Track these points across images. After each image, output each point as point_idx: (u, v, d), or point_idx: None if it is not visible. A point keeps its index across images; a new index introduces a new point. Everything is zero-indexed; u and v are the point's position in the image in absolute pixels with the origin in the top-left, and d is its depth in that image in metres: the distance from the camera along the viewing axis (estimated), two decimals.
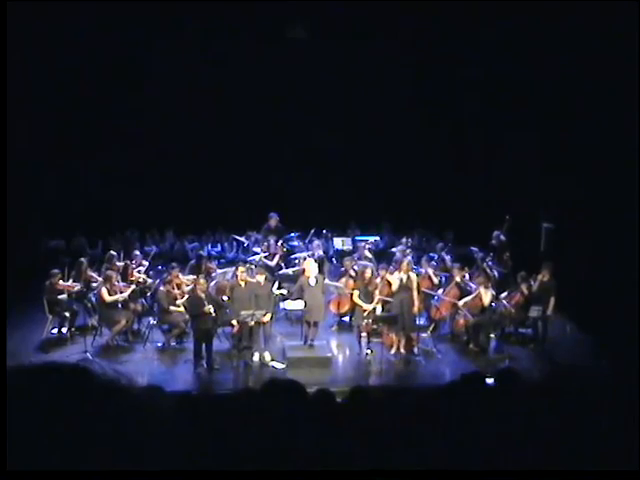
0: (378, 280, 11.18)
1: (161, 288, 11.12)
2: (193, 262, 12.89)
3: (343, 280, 11.97)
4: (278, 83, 16.02)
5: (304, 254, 13.09)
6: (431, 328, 11.65)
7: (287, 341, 11.09)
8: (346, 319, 12.03)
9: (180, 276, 11.45)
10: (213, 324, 10.35)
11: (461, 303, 11.24)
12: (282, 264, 13.25)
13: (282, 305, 11.94)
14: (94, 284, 11.56)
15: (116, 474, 1.40)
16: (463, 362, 10.60)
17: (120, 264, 12.03)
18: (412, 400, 2.55)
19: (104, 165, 15.46)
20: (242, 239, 14.78)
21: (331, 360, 10.60)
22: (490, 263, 12.76)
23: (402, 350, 10.88)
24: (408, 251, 13.07)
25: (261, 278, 10.66)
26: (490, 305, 11.08)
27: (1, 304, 10.56)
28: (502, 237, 13.58)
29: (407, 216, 15.27)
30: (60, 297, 11.14)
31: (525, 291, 11.34)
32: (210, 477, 1.92)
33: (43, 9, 12.60)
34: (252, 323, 10.30)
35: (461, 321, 11.32)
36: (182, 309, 10.87)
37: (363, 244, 13.98)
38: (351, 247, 14.86)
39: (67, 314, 11.26)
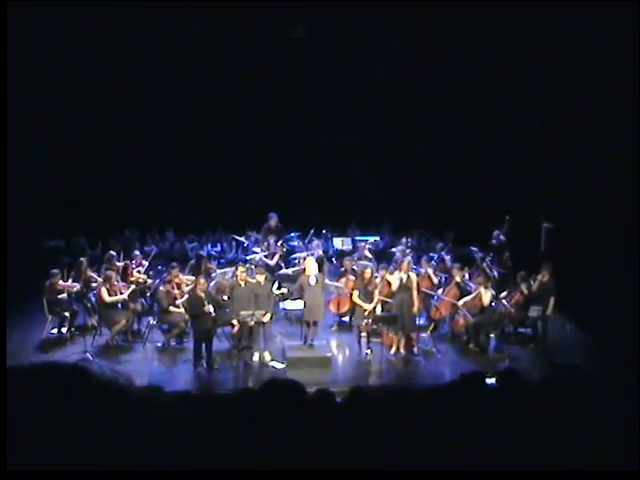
0: (378, 280, 11.17)
1: (161, 288, 11.12)
2: (193, 262, 12.88)
3: (343, 280, 11.97)
4: (278, 83, 16.02)
5: (304, 254, 13.09)
6: (431, 328, 11.65)
7: (287, 341, 11.09)
8: (346, 319, 12.03)
9: (180, 276, 11.45)
10: (213, 324, 10.34)
11: (461, 303, 11.24)
12: (282, 264, 13.25)
13: (282, 305, 11.94)
14: (94, 284, 11.55)
15: (116, 474, 1.40)
16: (463, 362, 10.59)
17: (120, 264, 12.02)
18: (412, 400, 2.55)
19: (104, 165, 15.47)
20: (242, 239, 14.77)
21: (331, 360, 10.59)
22: (490, 263, 12.76)
23: (402, 350, 10.88)
24: (408, 251, 13.07)
25: (261, 278, 10.66)
26: (490, 305, 11.07)
27: (1, 304, 10.56)
28: (502, 237, 13.59)
29: (407, 216, 15.27)
30: (60, 297, 11.13)
31: (525, 291, 11.34)
32: (210, 477, 1.92)
33: (43, 9, 12.59)
34: (252, 323, 10.30)
35: (461, 321, 11.31)
36: (182, 309, 10.87)
37: (363, 244, 13.99)
38: (351, 247, 14.87)
39: (67, 314, 11.25)
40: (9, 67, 11.52)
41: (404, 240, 14.18)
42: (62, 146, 14.93)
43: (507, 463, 2.20)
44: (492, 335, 11.29)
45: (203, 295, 10.20)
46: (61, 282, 11.21)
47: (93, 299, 11.45)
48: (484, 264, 12.58)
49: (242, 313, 10.21)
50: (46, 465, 1.33)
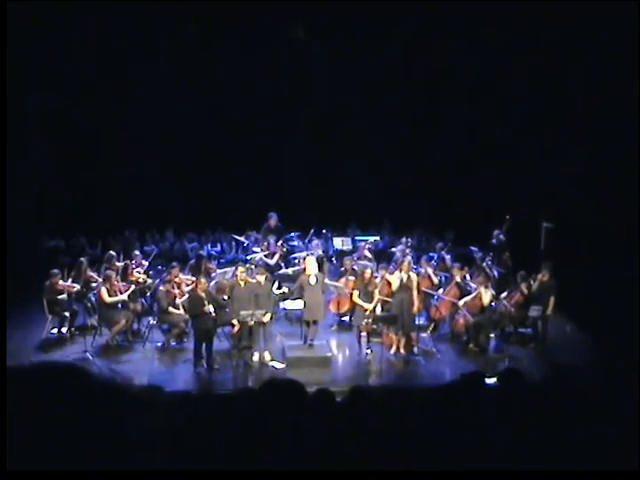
0: (378, 280, 11.18)
1: (161, 288, 11.12)
2: (193, 262, 12.88)
3: (343, 280, 11.97)
4: (278, 83, 16.02)
5: (304, 254, 13.09)
6: (431, 328, 11.65)
7: (287, 341, 11.09)
8: (346, 319, 12.04)
9: (180, 276, 11.45)
10: (213, 324, 10.34)
11: (461, 303, 11.24)
12: (282, 264, 13.25)
13: (282, 305, 11.94)
14: (94, 284, 11.55)
15: (116, 474, 1.40)
16: (463, 362, 10.59)
17: (120, 264, 12.02)
18: (412, 400, 2.55)
19: (104, 165, 15.47)
20: (242, 239, 14.77)
21: (331, 360, 10.59)
22: (490, 263, 12.76)
23: (402, 350, 10.88)
24: (408, 251, 13.07)
25: (261, 278, 10.66)
26: (490, 305, 11.08)
27: (1, 304, 10.57)
28: (502, 237, 13.59)
29: (407, 216, 15.27)
30: (60, 297, 11.13)
31: (525, 291, 11.34)
32: (210, 477, 1.92)
33: (43, 9, 12.59)
34: (252, 323, 10.30)
35: (461, 321, 11.31)
36: (182, 309, 10.87)
37: (363, 244, 14.00)
38: (351, 247, 14.86)
39: (67, 314, 11.26)
40: (9, 67, 11.52)
41: (404, 240, 14.17)
42: (62, 146, 14.93)
43: (507, 463, 2.20)
44: (492, 335, 11.30)
45: (203, 295, 10.20)
46: (61, 282, 11.21)
47: (93, 299, 11.46)
48: (484, 264, 12.58)
49: (242, 313, 10.21)
50: (46, 465, 1.33)
